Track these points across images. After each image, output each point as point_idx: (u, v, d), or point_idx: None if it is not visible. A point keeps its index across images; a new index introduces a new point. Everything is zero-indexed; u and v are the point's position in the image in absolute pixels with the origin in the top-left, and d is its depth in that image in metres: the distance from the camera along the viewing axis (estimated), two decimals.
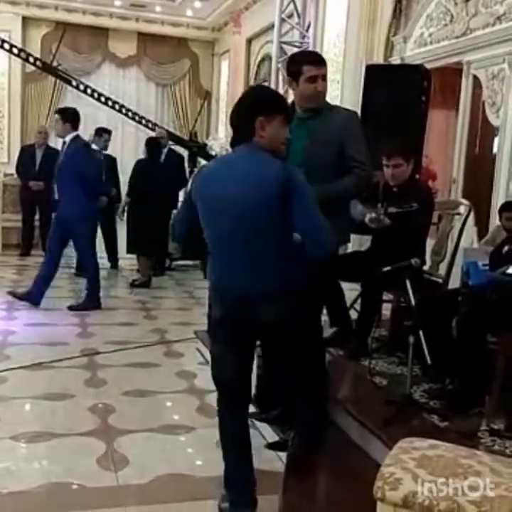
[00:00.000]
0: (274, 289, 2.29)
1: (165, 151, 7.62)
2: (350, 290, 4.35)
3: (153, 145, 7.11)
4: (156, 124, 11.80)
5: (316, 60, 3.14)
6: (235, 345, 2.42)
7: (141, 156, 7.38)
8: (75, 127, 5.83)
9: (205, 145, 9.77)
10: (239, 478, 2.47)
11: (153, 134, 11.69)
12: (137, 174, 6.86)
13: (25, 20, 12.88)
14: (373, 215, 3.70)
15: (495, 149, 5.81)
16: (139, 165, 6.97)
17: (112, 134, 7.69)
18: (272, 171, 2.22)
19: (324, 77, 3.08)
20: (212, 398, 3.63)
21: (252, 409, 2.85)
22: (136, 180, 6.82)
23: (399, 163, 3.88)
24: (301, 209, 2.24)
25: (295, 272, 2.32)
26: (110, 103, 11.44)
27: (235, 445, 2.49)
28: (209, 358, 4.33)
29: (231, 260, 2.32)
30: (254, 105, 2.30)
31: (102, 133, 7.58)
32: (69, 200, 5.59)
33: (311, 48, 7.17)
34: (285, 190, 2.19)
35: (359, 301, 4.20)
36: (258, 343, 2.78)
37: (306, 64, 3.06)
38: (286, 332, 2.41)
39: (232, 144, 2.36)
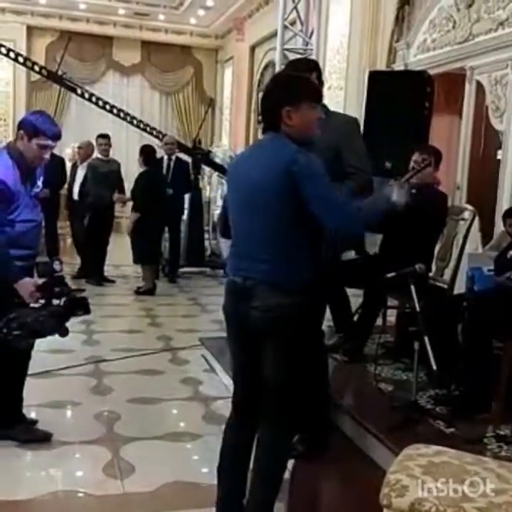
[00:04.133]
0: (274, 279, 2.20)
1: (173, 158, 7.68)
2: (355, 296, 4.35)
3: (147, 153, 7.00)
4: (160, 132, 11.85)
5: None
6: (239, 340, 2.35)
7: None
8: None
9: (209, 152, 9.79)
10: (228, 495, 2.37)
11: (157, 141, 11.81)
12: (141, 188, 6.85)
13: (30, 30, 12.97)
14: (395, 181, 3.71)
15: (499, 155, 5.80)
16: (142, 178, 6.92)
17: (109, 138, 7.53)
18: (283, 158, 2.18)
19: None
20: (218, 405, 3.65)
21: None
22: (141, 194, 6.81)
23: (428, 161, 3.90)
24: (310, 196, 2.15)
25: (298, 271, 2.22)
26: (115, 111, 11.49)
27: (231, 458, 2.38)
28: (214, 365, 4.38)
29: (240, 248, 2.30)
30: (279, 96, 2.26)
31: (97, 138, 7.51)
32: None
33: (314, 55, 7.17)
34: (291, 177, 2.13)
35: None
36: None
37: None
38: (274, 330, 2.24)
39: (263, 132, 2.34)
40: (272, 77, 2.47)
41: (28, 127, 2.87)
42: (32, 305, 2.83)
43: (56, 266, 2.90)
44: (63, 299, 2.86)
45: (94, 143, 7.61)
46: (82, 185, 7.31)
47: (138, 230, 6.77)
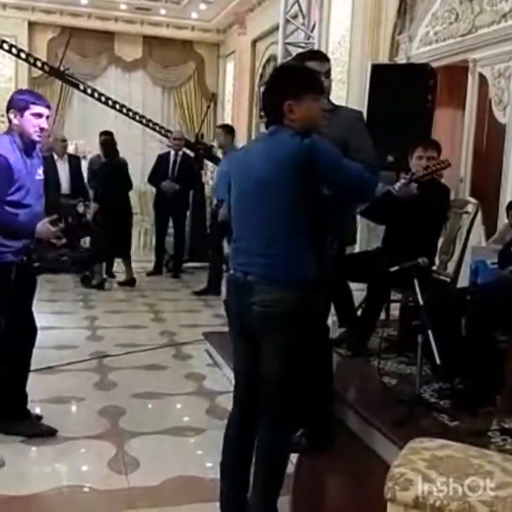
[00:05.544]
0: (275, 274, 2.18)
1: (180, 154, 7.69)
2: (359, 290, 4.34)
3: (109, 145, 7.04)
4: (162, 127, 11.84)
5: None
6: (241, 335, 2.33)
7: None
8: None
9: (212, 146, 9.78)
10: (231, 490, 2.37)
11: (158, 136, 11.79)
12: (100, 179, 6.89)
13: (31, 26, 12.94)
14: (402, 180, 3.71)
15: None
16: (102, 169, 6.97)
17: (112, 135, 7.53)
18: (288, 151, 2.15)
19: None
20: (222, 400, 3.66)
21: None
22: (101, 185, 6.82)
23: (434, 157, 3.89)
24: (333, 177, 2.22)
25: (300, 266, 2.20)
26: (117, 107, 11.48)
27: (234, 453, 2.38)
28: (218, 360, 4.39)
29: (241, 242, 2.28)
30: (280, 90, 2.23)
31: (101, 135, 7.53)
32: None
33: (316, 49, 7.15)
34: (304, 169, 2.13)
35: None
36: None
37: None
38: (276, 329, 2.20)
39: (266, 127, 2.33)
40: (272, 70, 2.46)
41: (17, 103, 2.95)
42: (53, 241, 2.91)
43: (79, 208, 2.97)
44: (86, 247, 2.94)
45: (98, 139, 7.61)
46: (78, 179, 7.20)
47: (103, 223, 6.67)
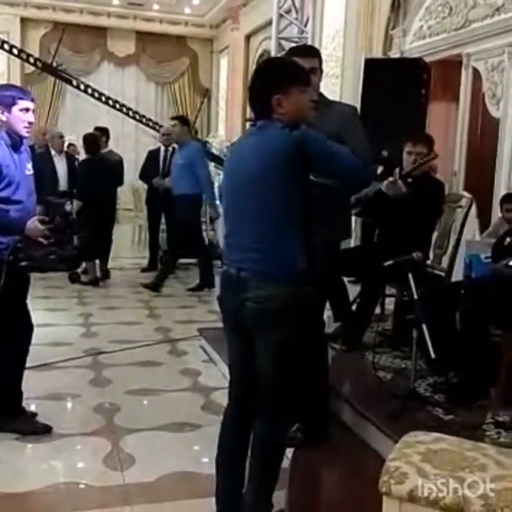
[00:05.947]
0: (269, 269, 2.17)
1: (170, 149, 7.67)
2: (353, 285, 4.35)
3: (90, 141, 6.93)
4: (156, 123, 11.82)
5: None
6: (235, 331, 2.32)
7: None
8: None
9: (206, 142, 9.77)
10: (227, 486, 2.37)
11: (152, 132, 11.75)
12: (81, 176, 6.83)
13: (24, 22, 12.89)
14: (390, 178, 3.71)
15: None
16: (83, 166, 6.91)
17: (102, 131, 7.54)
18: (280, 144, 2.14)
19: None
20: (217, 395, 3.66)
21: None
22: (82, 182, 6.77)
23: (423, 152, 3.88)
24: (326, 167, 2.25)
25: (294, 260, 2.19)
26: (110, 102, 11.46)
27: (229, 448, 2.38)
28: (213, 356, 4.39)
29: (234, 238, 2.28)
30: (266, 85, 2.22)
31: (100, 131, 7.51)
32: None
33: (309, 43, 7.15)
34: (296, 161, 2.13)
35: None
36: None
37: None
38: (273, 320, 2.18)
39: (254, 121, 2.31)
40: (257, 65, 2.44)
41: (3, 99, 2.93)
42: (41, 240, 2.90)
43: (67, 206, 2.96)
44: (74, 244, 2.93)
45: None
46: (73, 176, 7.16)
47: (85, 221, 6.51)
